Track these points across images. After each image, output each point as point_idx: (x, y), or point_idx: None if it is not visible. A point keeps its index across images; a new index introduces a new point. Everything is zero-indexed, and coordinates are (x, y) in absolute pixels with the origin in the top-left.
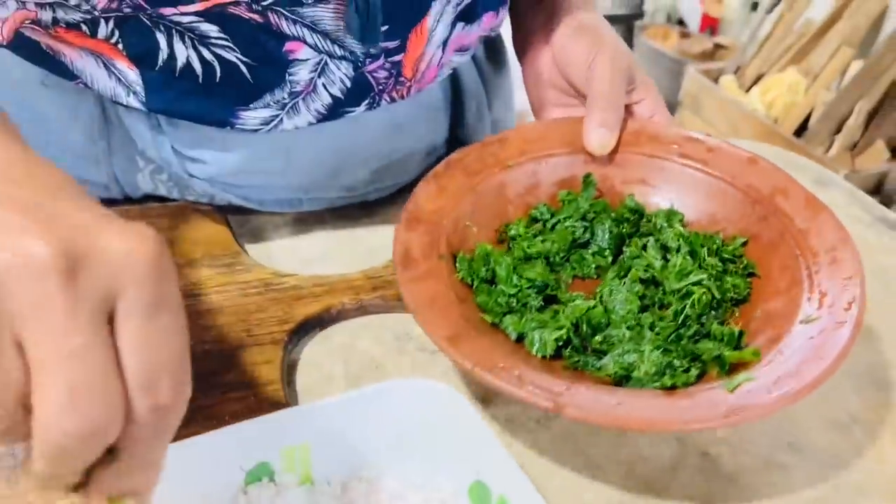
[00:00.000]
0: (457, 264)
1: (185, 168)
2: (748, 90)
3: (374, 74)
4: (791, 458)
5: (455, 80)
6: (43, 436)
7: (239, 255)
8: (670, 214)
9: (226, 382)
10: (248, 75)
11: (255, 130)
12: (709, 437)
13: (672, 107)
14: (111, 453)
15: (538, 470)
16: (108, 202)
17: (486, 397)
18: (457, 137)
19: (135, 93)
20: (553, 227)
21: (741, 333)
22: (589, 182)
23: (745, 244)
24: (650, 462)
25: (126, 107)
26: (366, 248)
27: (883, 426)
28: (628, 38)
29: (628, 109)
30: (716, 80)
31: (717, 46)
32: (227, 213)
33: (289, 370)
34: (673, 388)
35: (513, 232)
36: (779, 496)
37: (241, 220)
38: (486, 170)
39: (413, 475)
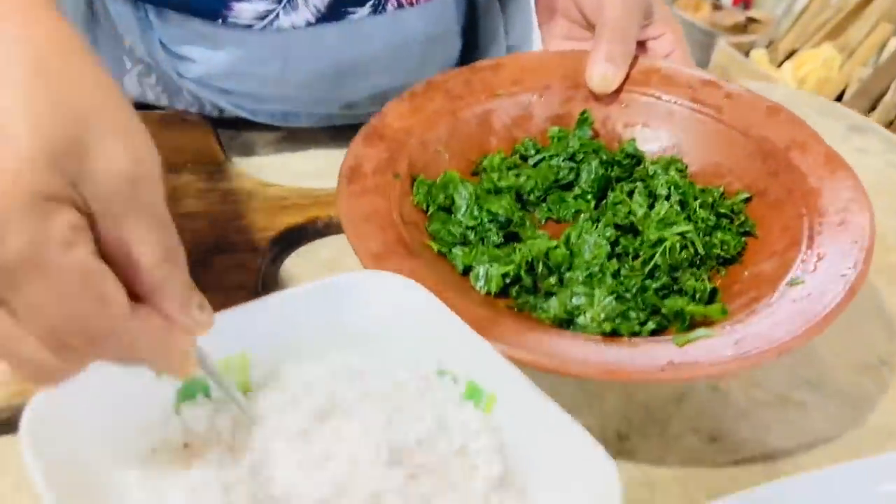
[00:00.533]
0: (414, 188)
1: (174, 67)
2: (780, 65)
3: None
4: (809, 395)
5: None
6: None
7: (223, 165)
8: (670, 162)
9: (197, 283)
10: None
11: (249, 26)
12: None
13: None
14: None
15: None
16: None
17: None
18: (469, 63)
19: None
20: (536, 164)
21: (715, 291)
22: (584, 119)
23: (748, 200)
24: (653, 391)
25: None
26: None
27: None
28: None
29: (643, 46)
30: (746, 54)
31: (750, 20)
32: (217, 127)
33: (269, 282)
34: (615, 334)
35: (486, 163)
36: (795, 433)
37: (231, 133)
38: (471, 95)
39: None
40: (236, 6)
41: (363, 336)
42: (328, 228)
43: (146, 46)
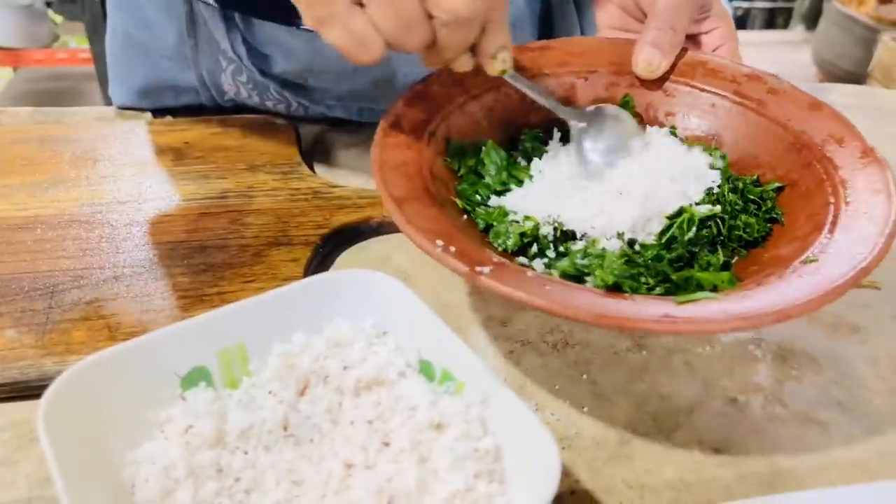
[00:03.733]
0: (448, 148)
1: (258, 65)
2: None
3: None
4: (836, 416)
5: None
6: (442, 27)
7: (298, 166)
8: (709, 150)
9: (251, 273)
10: None
11: None
12: (741, 382)
13: (860, 78)
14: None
15: (540, 392)
16: (199, 109)
17: (504, 319)
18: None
19: None
20: None
21: (728, 264)
22: (626, 103)
23: (780, 190)
24: (666, 401)
25: (205, 3)
26: None
27: None
28: (818, 2)
29: (694, 39)
30: None
31: None
32: (301, 125)
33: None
34: (617, 287)
35: (524, 137)
36: (807, 453)
37: (315, 136)
38: (517, 72)
39: (356, 361)
40: None
41: (352, 327)
42: (382, 227)
43: (233, 46)
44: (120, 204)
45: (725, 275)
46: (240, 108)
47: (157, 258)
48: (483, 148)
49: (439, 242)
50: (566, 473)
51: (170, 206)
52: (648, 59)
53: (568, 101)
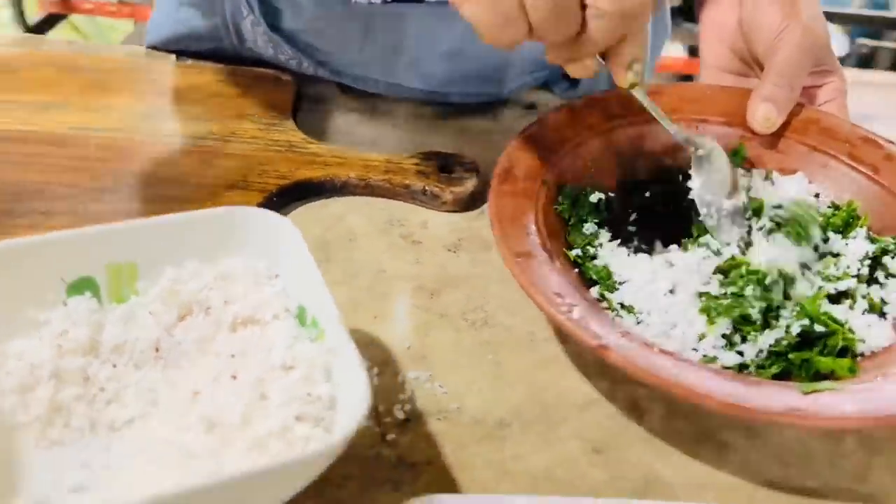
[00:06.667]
0: (559, 197)
1: (269, 19)
2: None
3: None
4: (739, 439)
5: None
6: (599, 20)
7: (285, 121)
8: (848, 217)
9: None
10: None
11: None
12: (649, 390)
13: None
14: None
15: (440, 364)
16: (223, 57)
17: (433, 291)
18: None
19: None
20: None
21: (846, 349)
22: (737, 152)
23: None
24: (564, 394)
25: None
26: (419, 142)
27: None
28: None
29: (807, 93)
30: None
31: None
32: (309, 85)
33: None
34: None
35: (631, 185)
36: (688, 469)
37: (318, 94)
38: (628, 116)
39: (238, 297)
40: None
41: (244, 265)
42: (345, 188)
43: None
44: (107, 130)
45: (846, 362)
46: (258, 61)
47: (118, 183)
48: (594, 194)
49: (563, 308)
50: (432, 445)
51: (150, 139)
52: (766, 115)
53: (677, 150)
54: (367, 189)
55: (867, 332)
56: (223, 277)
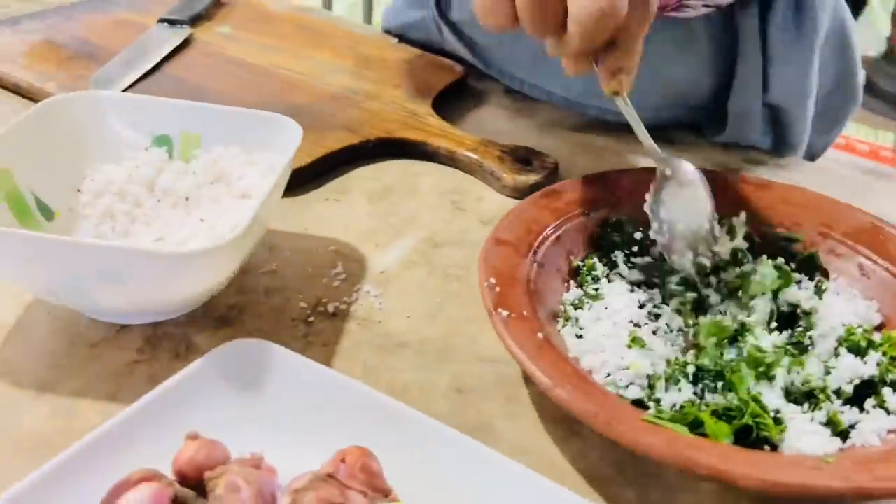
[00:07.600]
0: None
1: (440, 6)
2: None
3: None
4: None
5: (734, 35)
6: (578, 17)
7: (427, 98)
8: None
9: None
10: None
11: None
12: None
13: None
14: (611, 46)
15: (396, 298)
16: (430, 48)
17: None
18: (721, 104)
19: None
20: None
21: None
22: (811, 257)
23: None
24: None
25: None
26: (535, 143)
27: None
28: None
29: None
30: None
31: None
32: (474, 81)
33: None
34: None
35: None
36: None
37: (482, 89)
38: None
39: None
40: None
41: (266, 159)
42: (435, 155)
43: None
44: (296, 73)
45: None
46: (450, 55)
47: (274, 109)
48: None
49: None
50: (335, 337)
51: (319, 84)
52: None
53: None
54: (451, 160)
55: (803, 439)
56: (250, 163)
